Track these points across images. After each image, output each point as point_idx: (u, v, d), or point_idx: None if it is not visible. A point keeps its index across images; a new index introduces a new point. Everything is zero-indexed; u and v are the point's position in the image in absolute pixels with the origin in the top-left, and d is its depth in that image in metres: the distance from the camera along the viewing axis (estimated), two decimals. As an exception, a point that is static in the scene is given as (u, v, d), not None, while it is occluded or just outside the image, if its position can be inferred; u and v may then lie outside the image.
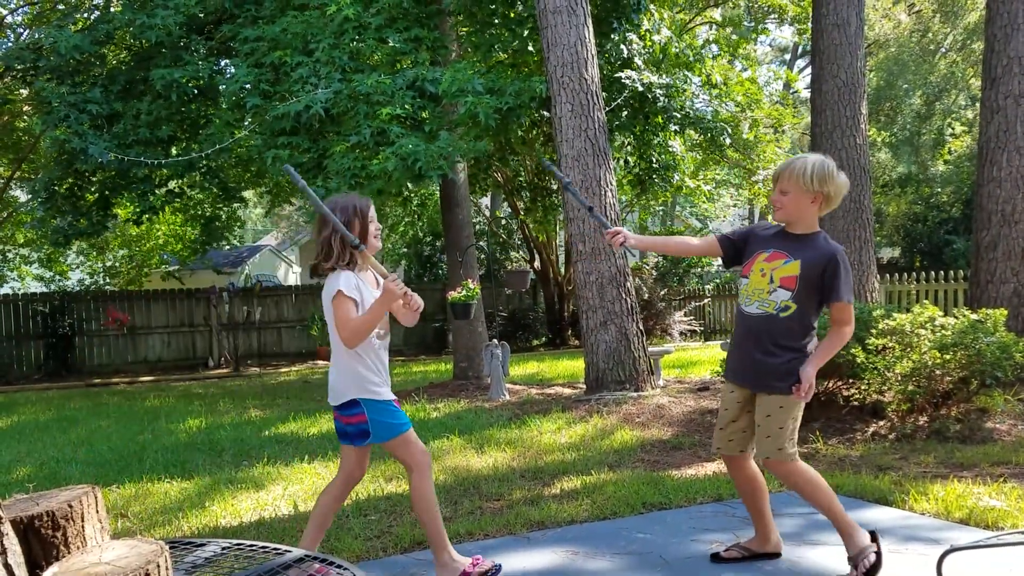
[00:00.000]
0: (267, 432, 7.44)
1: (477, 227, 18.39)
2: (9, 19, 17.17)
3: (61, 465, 6.23)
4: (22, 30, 16.81)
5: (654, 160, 12.50)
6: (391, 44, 9.44)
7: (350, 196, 3.36)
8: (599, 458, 5.65)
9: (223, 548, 1.95)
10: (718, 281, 18.64)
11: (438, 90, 8.89)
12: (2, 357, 15.22)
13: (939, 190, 18.58)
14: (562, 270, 17.30)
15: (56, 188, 12.24)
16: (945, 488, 4.40)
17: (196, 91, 11.31)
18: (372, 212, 3.30)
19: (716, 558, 3.55)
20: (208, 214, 14.93)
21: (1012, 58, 7.50)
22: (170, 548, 1.97)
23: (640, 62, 11.05)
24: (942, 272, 13.20)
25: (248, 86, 9.82)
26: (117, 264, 20.86)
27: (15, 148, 16.76)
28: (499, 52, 10.78)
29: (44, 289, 19.61)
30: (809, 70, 10.19)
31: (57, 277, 20.59)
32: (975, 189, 8.18)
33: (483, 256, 18.70)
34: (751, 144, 14.45)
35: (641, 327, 8.33)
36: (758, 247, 3.38)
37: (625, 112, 11.26)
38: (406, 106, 8.89)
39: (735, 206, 26.18)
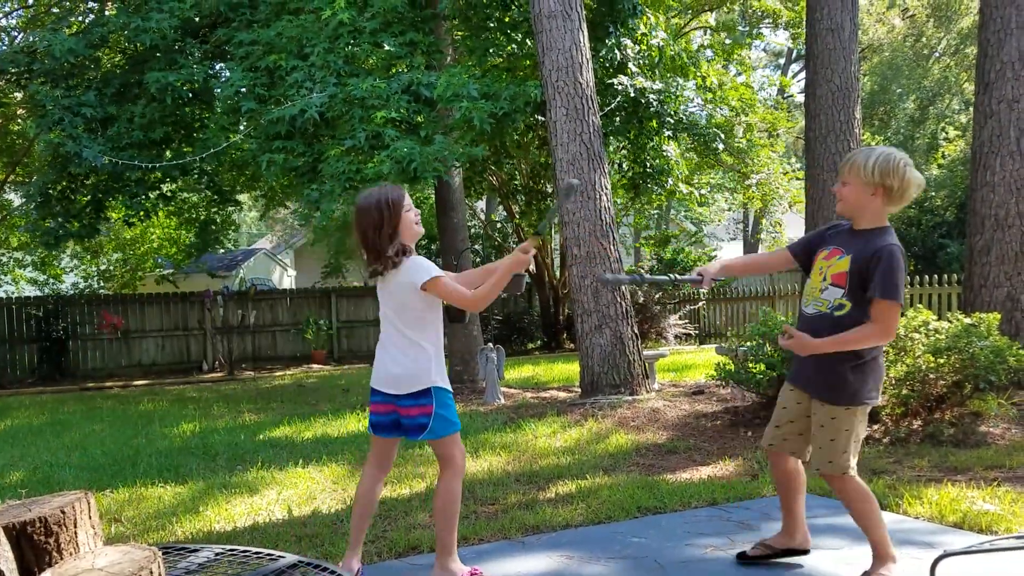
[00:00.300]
0: (261, 436, 7.42)
1: (473, 231, 18.38)
2: (3, 22, 17.15)
3: (54, 470, 6.20)
4: (16, 33, 16.76)
5: (648, 164, 12.52)
6: (386, 48, 9.44)
7: (382, 189, 3.34)
8: (594, 462, 5.65)
9: (216, 554, 1.95)
10: (713, 285, 18.67)
11: (433, 94, 8.90)
12: (-5, 361, 15.17)
13: (933, 194, 18.64)
14: (557, 273, 17.31)
15: (51, 191, 12.22)
16: (939, 492, 4.41)
17: (191, 94, 11.30)
18: (407, 200, 3.31)
19: (743, 557, 3.54)
20: (203, 218, 14.90)
21: (1005, 63, 7.53)
22: (163, 554, 1.96)
23: (635, 67, 11.08)
24: (936, 276, 13.23)
25: (243, 90, 9.82)
26: (111, 268, 20.81)
27: (9, 152, 16.72)
28: (494, 56, 10.80)
29: (38, 293, 19.56)
30: (803, 75, 10.24)
31: (51, 281, 20.53)
32: (969, 193, 8.21)
33: (479, 259, 18.70)
34: (745, 149, 14.48)
35: (636, 331, 8.33)
36: (821, 245, 3.29)
37: (619, 117, 11.28)
38: (401, 110, 8.90)
39: (729, 210, 26.22)
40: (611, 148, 13.10)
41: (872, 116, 19.49)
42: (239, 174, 14.08)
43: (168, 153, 11.90)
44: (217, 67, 12.10)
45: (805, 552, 3.51)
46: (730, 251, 29.58)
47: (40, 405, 11.14)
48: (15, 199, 19.53)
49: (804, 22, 9.74)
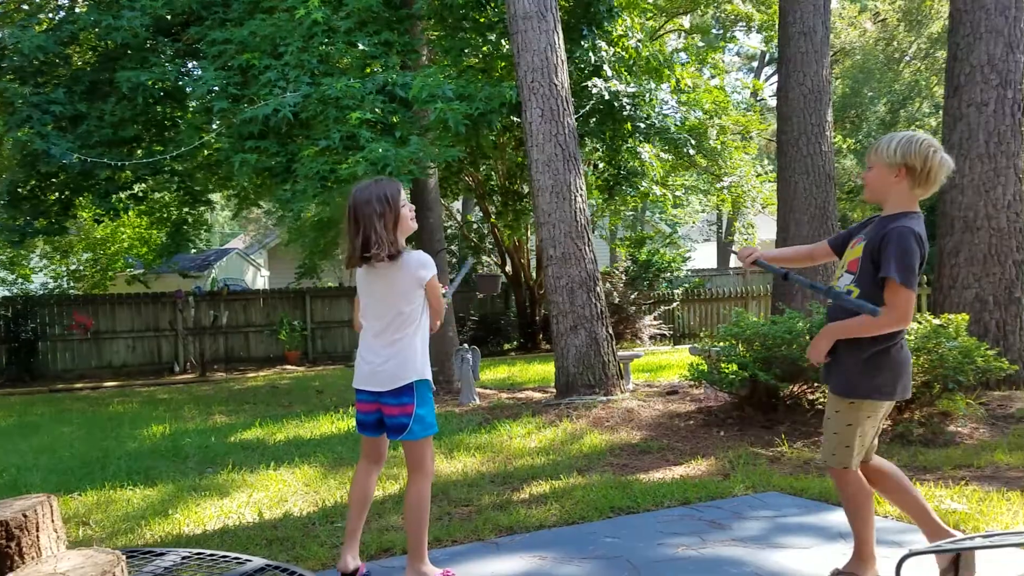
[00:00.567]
0: (233, 438, 7.35)
1: (449, 231, 18.33)
2: (-30, 18, 16.83)
3: (22, 472, 6.11)
4: (-16, 29, 16.49)
5: (623, 167, 12.57)
6: (361, 48, 9.39)
7: (379, 183, 3.34)
8: (568, 462, 5.66)
9: (183, 557, 1.92)
10: (687, 286, 18.77)
11: (408, 95, 8.87)
12: (-38, 362, 14.91)
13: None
14: (534, 274, 17.32)
15: (20, 190, 12.03)
16: (908, 491, 4.46)
17: (162, 93, 11.18)
18: (403, 196, 3.32)
19: None
20: (175, 217, 14.75)
21: (975, 67, 7.63)
22: (128, 558, 1.94)
23: (610, 70, 11.12)
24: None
25: (216, 89, 9.73)
26: (82, 268, 20.51)
27: (-24, 149, 16.43)
28: (470, 57, 10.79)
29: (7, 293, 19.21)
30: (776, 78, 10.30)
31: (20, 281, 20.19)
32: (938, 196, 8.31)
33: (454, 260, 18.66)
34: (718, 151, 14.58)
35: (611, 331, 8.36)
36: (853, 236, 3.20)
37: (594, 119, 11.32)
38: (376, 110, 8.86)
39: (703, 211, 26.38)
40: (587, 149, 13.15)
41: (844, 119, 19.69)
42: (211, 173, 13.94)
43: (139, 152, 11.76)
44: (189, 65, 11.98)
45: None
46: (703, 252, 29.76)
47: (8, 407, 10.96)
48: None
49: (777, 25, 9.82)
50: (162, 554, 1.98)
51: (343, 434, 7.21)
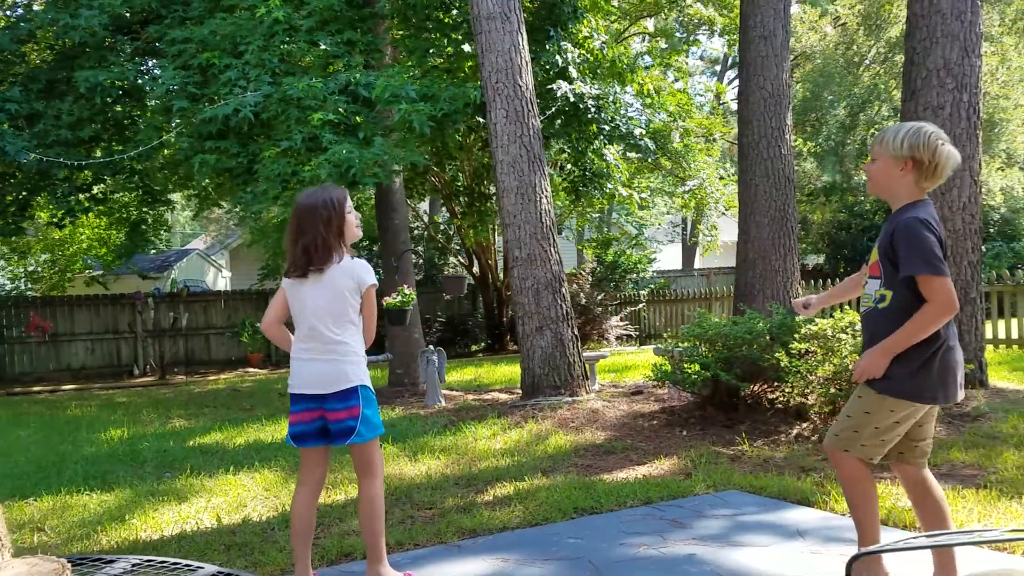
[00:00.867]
0: (191, 442, 7.25)
1: (416, 232, 18.26)
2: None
3: (-27, 479, 5.97)
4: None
5: (588, 168, 12.62)
6: (323, 47, 9.32)
7: (325, 189, 3.33)
8: (533, 464, 5.66)
9: (133, 565, 1.89)
10: (653, 287, 18.90)
11: (372, 95, 8.81)
12: (-87, 366, 14.53)
13: (862, 198, 19.17)
14: (502, 275, 17.31)
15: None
16: (865, 488, 4.52)
17: (121, 92, 11.00)
18: (349, 203, 3.32)
19: None
20: (134, 217, 14.52)
21: (931, 71, 7.75)
22: (76, 565, 1.89)
23: (575, 72, 11.15)
24: (865, 278, 13.60)
25: (175, 88, 9.59)
26: (39, 269, 20.12)
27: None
28: (434, 57, 10.75)
29: (-40, 295, 18.80)
30: (738, 81, 10.40)
31: (-25, 283, 19.78)
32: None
33: (420, 261, 18.58)
34: (682, 154, 14.70)
35: (576, 332, 8.38)
36: (874, 241, 3.08)
37: (560, 120, 11.35)
38: (339, 110, 8.79)
39: (668, 213, 26.60)
40: (553, 151, 13.17)
41: (804, 122, 19.97)
42: (172, 173, 13.75)
43: (98, 151, 11.56)
44: (149, 64, 11.81)
45: None
46: (669, 253, 30.00)
47: (-40, 412, 10.71)
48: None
49: (738, 29, 9.92)
50: (112, 561, 1.94)
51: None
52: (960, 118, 7.70)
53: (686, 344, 6.94)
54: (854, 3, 19.92)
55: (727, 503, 4.48)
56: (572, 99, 10.81)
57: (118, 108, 11.54)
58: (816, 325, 6.15)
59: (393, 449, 6.36)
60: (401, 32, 11.15)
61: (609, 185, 12.83)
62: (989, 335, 11.20)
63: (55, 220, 12.09)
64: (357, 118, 9.09)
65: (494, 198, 15.02)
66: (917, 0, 7.59)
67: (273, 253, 18.00)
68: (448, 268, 18.67)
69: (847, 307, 6.59)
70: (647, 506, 4.52)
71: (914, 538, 1.74)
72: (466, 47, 10.24)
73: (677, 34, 20.23)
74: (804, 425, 6.17)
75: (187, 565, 1.87)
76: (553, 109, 10.83)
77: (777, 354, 6.19)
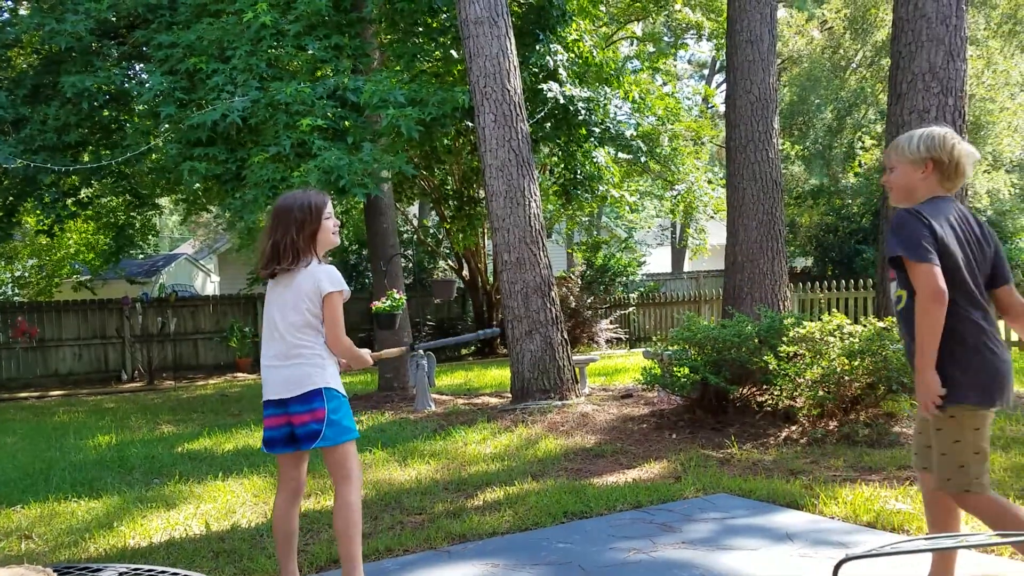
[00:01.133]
0: (180, 448, 7.22)
1: (405, 235, 18.25)
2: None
3: (-41, 487, 5.92)
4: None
5: (578, 171, 12.63)
6: (310, 52, 9.31)
7: (306, 193, 3.32)
8: (523, 468, 5.66)
9: (120, 573, 1.88)
10: (642, 290, 18.93)
11: (360, 100, 8.80)
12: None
13: (850, 201, 19.28)
14: (491, 279, 17.31)
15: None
16: (853, 492, 4.55)
17: (108, 96, 10.95)
18: (329, 208, 3.29)
19: None
20: (121, 222, 14.45)
21: (916, 75, 7.80)
22: (62, 574, 1.88)
23: (564, 74, 11.17)
24: (852, 281, 13.68)
25: (162, 93, 9.55)
26: (26, 274, 19.99)
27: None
28: (422, 62, 10.75)
29: (-54, 301, 18.64)
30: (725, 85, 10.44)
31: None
32: (881, 200, 8.50)
33: (409, 264, 18.56)
34: (670, 156, 14.73)
35: (566, 336, 8.39)
36: None
37: (549, 123, 11.36)
38: (328, 115, 8.77)
39: (657, 216, 26.67)
40: (543, 154, 13.19)
41: (791, 126, 20.05)
42: (160, 178, 13.70)
43: (85, 156, 11.50)
44: (136, 68, 11.76)
45: None
46: (658, 256, 30.07)
47: (-54, 419, 10.62)
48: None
49: (726, 33, 9.96)
50: (99, 570, 1.93)
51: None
52: (945, 122, 7.74)
53: (675, 347, 6.96)
54: (840, 7, 20.03)
55: (716, 506, 4.49)
56: (562, 101, 10.84)
57: (105, 113, 11.49)
58: (804, 328, 6.18)
59: (382, 454, 6.35)
60: (389, 36, 11.15)
61: (601, 187, 12.85)
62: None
63: (44, 228, 12.01)
64: (346, 123, 9.07)
65: (483, 202, 15.04)
66: (903, 4, 7.63)
67: (262, 258, 17.92)
68: (437, 272, 18.65)
69: (834, 310, 6.62)
70: (637, 510, 4.52)
71: (904, 542, 1.75)
72: (454, 52, 10.25)
73: (665, 38, 20.31)
74: (793, 428, 6.19)
75: (174, 573, 1.86)
76: (543, 112, 10.85)
77: (766, 357, 6.21)
